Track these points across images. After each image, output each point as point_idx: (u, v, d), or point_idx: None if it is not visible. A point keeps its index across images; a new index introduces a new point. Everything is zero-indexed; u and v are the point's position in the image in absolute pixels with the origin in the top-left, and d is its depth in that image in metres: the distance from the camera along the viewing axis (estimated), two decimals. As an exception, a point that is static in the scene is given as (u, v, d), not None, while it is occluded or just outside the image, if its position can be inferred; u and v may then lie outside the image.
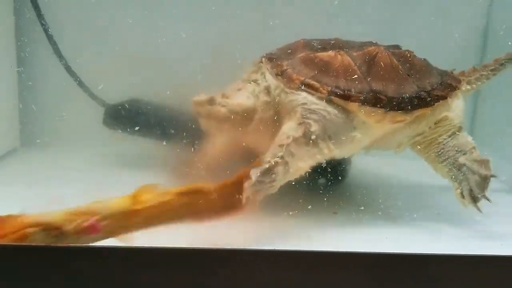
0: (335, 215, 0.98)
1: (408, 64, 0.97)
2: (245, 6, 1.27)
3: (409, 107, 0.92)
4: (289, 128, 0.87)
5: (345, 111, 0.90)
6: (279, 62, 0.95)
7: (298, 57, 0.95)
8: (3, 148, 1.25)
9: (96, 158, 1.24)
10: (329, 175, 1.01)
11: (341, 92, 0.89)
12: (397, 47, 1.03)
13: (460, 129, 1.01)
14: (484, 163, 0.94)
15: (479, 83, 1.10)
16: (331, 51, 0.95)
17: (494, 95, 1.37)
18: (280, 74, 0.93)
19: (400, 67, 0.95)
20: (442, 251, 0.81)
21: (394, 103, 0.91)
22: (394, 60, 0.95)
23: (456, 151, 0.98)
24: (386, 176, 1.26)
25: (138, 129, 1.09)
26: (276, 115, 0.95)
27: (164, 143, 1.11)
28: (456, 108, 1.01)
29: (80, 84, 1.22)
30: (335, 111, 0.89)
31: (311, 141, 0.86)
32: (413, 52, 1.00)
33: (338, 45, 1.00)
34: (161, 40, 1.18)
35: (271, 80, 0.94)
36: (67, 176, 1.12)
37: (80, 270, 0.75)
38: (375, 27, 1.32)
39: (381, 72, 0.93)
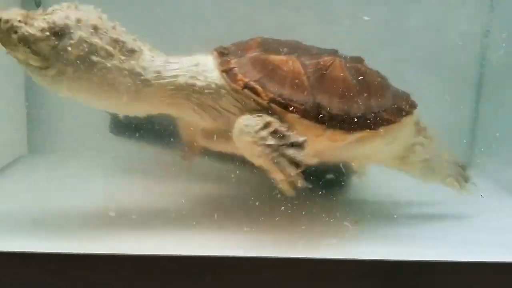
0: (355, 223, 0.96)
1: (363, 81, 0.92)
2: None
3: (351, 127, 0.88)
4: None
5: (285, 120, 0.85)
6: (228, 59, 0.90)
7: (249, 57, 0.90)
8: (11, 155, 1.27)
9: (102, 164, 1.25)
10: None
11: (282, 100, 0.85)
12: (359, 60, 0.98)
13: (413, 145, 1.00)
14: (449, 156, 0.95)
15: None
16: (283, 55, 0.91)
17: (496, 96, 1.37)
18: (226, 71, 0.88)
19: (353, 83, 0.91)
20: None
21: (336, 120, 0.87)
22: (348, 74, 0.91)
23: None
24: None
25: (144, 136, 1.10)
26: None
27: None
28: (405, 132, 0.98)
29: None
30: (275, 118, 0.84)
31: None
32: (371, 69, 0.96)
33: (296, 49, 0.95)
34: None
35: (216, 75, 0.88)
36: (73, 183, 1.13)
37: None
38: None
39: (330, 86, 0.89)
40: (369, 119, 0.89)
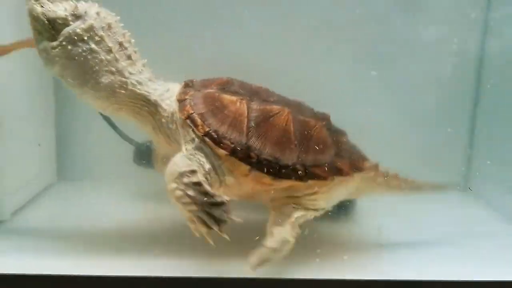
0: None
1: (307, 135, 0.97)
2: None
3: (278, 174, 0.93)
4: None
5: (216, 155, 0.91)
6: (187, 90, 0.99)
7: (205, 92, 0.98)
8: (43, 183, 1.38)
9: (126, 192, 1.36)
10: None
11: (215, 136, 0.91)
12: (322, 118, 1.04)
13: (314, 212, 0.99)
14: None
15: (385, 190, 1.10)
16: (235, 96, 0.97)
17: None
18: (180, 101, 0.97)
19: (294, 134, 0.96)
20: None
21: (263, 165, 0.92)
22: (291, 126, 0.96)
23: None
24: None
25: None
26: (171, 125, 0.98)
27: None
28: (334, 193, 1.01)
29: (111, 125, 1.34)
30: (208, 152, 0.91)
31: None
32: (324, 127, 1.01)
33: (256, 94, 1.00)
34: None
35: (174, 102, 0.98)
36: (100, 210, 1.24)
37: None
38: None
39: (268, 132, 0.94)
40: (299, 171, 0.94)
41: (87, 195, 1.37)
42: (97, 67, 0.92)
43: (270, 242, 0.91)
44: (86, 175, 1.45)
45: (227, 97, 0.97)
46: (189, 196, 0.85)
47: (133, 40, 0.98)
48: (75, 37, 0.90)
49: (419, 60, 1.41)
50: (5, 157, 1.12)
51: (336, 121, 1.10)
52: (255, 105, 0.96)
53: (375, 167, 1.07)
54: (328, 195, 1.01)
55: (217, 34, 1.35)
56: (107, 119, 1.30)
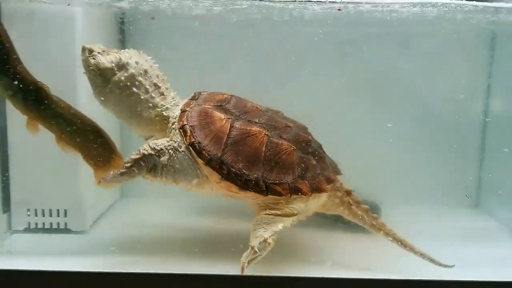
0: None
1: (275, 156, 1.11)
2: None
3: (243, 186, 1.09)
4: (152, 143, 1.11)
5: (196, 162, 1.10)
6: (191, 103, 1.16)
7: (202, 106, 1.15)
8: (110, 199, 1.61)
9: (180, 207, 1.59)
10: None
11: (197, 147, 1.09)
12: (302, 141, 1.16)
13: (293, 217, 1.14)
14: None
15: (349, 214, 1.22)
16: (224, 115, 1.13)
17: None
18: (182, 111, 1.14)
19: (264, 154, 1.11)
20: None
21: (232, 175, 1.08)
22: (264, 147, 1.11)
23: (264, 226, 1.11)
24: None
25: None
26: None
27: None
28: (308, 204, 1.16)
29: None
30: (188, 157, 1.11)
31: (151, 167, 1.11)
32: (294, 150, 1.13)
33: (246, 113, 1.16)
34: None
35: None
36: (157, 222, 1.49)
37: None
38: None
39: (241, 150, 1.10)
40: (259, 185, 1.10)
41: (147, 209, 1.58)
42: (139, 105, 1.14)
43: (252, 242, 1.07)
44: (143, 193, 1.65)
45: (217, 115, 1.13)
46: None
47: (165, 78, 1.20)
48: (120, 84, 1.12)
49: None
50: (85, 175, 1.32)
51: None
52: (238, 125, 1.12)
53: (337, 188, 1.22)
54: (302, 205, 1.16)
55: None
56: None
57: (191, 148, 1.11)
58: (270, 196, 1.11)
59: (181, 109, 1.15)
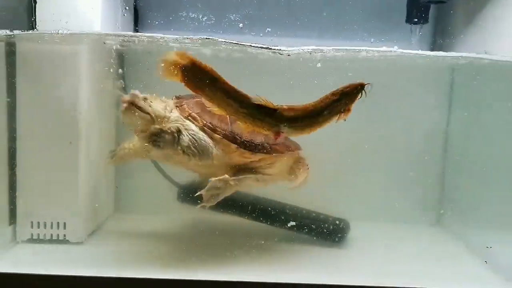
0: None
1: None
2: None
3: (254, 149, 1.34)
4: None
5: (213, 139, 1.30)
6: (181, 100, 1.35)
7: (194, 100, 1.35)
8: (105, 214, 1.75)
9: (170, 225, 1.72)
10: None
11: (211, 126, 1.31)
12: None
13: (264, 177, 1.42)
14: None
15: None
16: None
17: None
18: (178, 106, 1.33)
19: None
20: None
21: (244, 144, 1.33)
22: None
23: None
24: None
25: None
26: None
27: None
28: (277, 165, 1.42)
29: (159, 169, 1.65)
30: (203, 135, 1.29)
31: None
32: None
33: None
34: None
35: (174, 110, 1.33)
36: (151, 234, 1.63)
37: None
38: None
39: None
40: (266, 147, 1.37)
41: (139, 224, 1.69)
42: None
43: (215, 179, 1.30)
44: (135, 210, 1.80)
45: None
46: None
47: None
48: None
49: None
50: (83, 191, 1.49)
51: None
52: None
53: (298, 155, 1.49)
54: (274, 165, 1.42)
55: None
56: (155, 164, 1.63)
57: (205, 129, 1.31)
58: (274, 155, 1.38)
59: (175, 105, 1.34)
